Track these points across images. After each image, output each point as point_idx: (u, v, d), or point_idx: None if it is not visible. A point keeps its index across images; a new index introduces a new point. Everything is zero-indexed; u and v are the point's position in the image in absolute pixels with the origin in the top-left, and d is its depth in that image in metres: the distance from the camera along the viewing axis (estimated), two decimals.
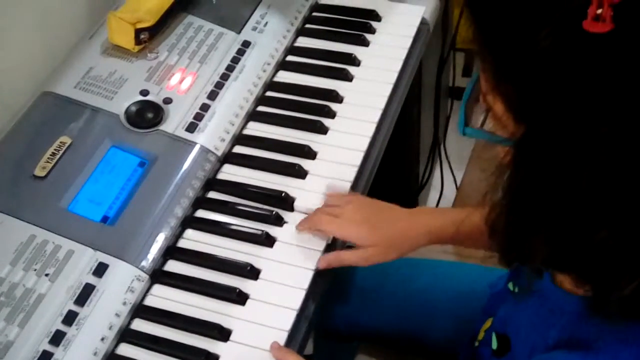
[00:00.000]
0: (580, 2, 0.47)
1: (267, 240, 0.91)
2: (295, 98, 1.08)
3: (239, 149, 1.02)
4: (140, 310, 0.86)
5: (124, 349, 0.83)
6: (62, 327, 0.80)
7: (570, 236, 0.55)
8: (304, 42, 1.16)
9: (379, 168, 1.04)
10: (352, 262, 0.90)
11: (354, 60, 1.12)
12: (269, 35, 1.12)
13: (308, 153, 1.00)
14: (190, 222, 0.93)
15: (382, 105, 1.06)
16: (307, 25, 1.18)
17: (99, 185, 0.92)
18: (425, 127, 1.60)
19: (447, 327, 1.03)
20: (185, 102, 1.01)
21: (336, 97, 1.07)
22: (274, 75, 1.11)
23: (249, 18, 1.13)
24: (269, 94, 1.08)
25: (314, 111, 1.05)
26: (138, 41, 1.03)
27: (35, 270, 0.83)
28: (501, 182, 0.59)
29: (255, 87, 1.06)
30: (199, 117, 1.00)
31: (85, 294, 0.82)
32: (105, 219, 0.89)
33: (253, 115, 1.05)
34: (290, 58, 1.13)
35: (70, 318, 0.81)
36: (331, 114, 1.05)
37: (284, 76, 1.11)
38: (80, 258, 0.85)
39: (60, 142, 0.94)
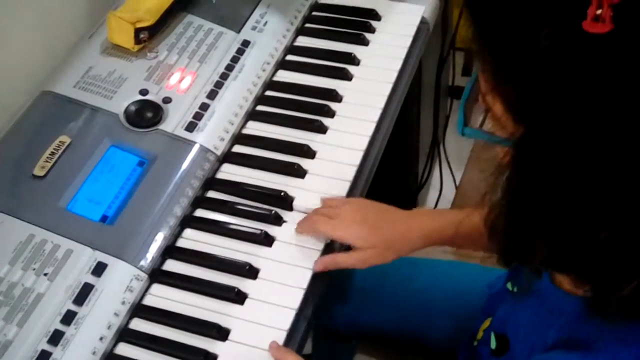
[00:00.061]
0: (580, 3, 0.47)
1: (266, 240, 0.91)
2: (294, 97, 1.07)
3: (238, 149, 1.01)
4: (139, 309, 0.86)
5: (123, 349, 0.83)
6: (61, 327, 0.80)
7: (570, 237, 0.55)
8: (303, 41, 1.16)
9: (379, 167, 1.04)
10: (349, 265, 0.89)
11: (353, 60, 1.12)
12: (269, 35, 1.12)
13: (307, 152, 1.00)
14: (189, 221, 0.93)
15: (382, 104, 1.06)
16: (307, 25, 1.18)
17: (98, 184, 0.92)
18: (425, 126, 1.60)
19: (447, 327, 1.03)
20: (184, 101, 1.01)
21: (336, 97, 1.07)
22: (273, 74, 1.10)
23: (248, 17, 1.13)
24: (268, 93, 1.08)
25: (314, 110, 1.05)
26: (138, 40, 1.03)
27: (34, 269, 0.83)
28: (500, 182, 0.59)
29: (255, 86, 1.06)
30: (198, 116, 1.00)
31: (84, 294, 0.82)
32: (104, 219, 0.89)
33: (252, 115, 1.05)
34: (289, 57, 1.13)
35: (68, 317, 0.81)
36: (331, 114, 1.05)
37: (284, 75, 1.11)
38: (79, 257, 0.85)
39: (60, 142, 0.94)
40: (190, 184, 0.94)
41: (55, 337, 0.79)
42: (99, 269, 0.84)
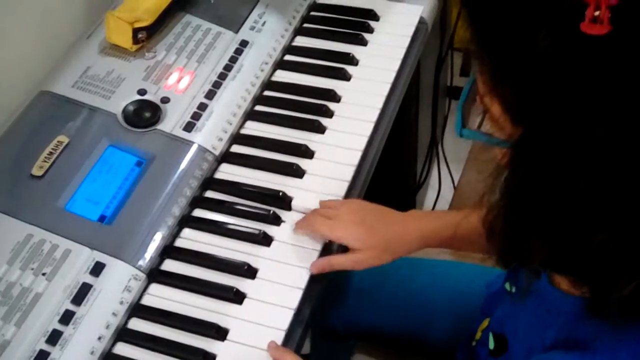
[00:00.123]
0: (578, 4, 0.47)
1: (265, 240, 0.91)
2: (293, 97, 1.07)
3: (236, 149, 1.01)
4: (138, 309, 0.85)
5: (121, 348, 0.83)
6: (59, 327, 0.80)
7: (568, 238, 0.55)
8: (302, 41, 1.16)
9: (377, 167, 1.04)
10: (345, 267, 0.89)
11: (352, 60, 1.12)
12: (267, 35, 1.12)
13: (306, 152, 1.00)
14: (187, 221, 0.93)
15: (380, 104, 1.06)
16: (305, 25, 1.18)
17: (96, 184, 0.92)
18: (423, 126, 1.60)
19: (446, 327, 1.04)
20: (182, 101, 1.01)
21: (334, 97, 1.07)
22: (271, 74, 1.10)
23: (247, 17, 1.13)
24: (266, 93, 1.08)
25: (312, 110, 1.05)
26: (136, 40, 1.03)
27: (32, 269, 0.83)
28: (498, 183, 0.59)
29: (253, 86, 1.06)
30: (196, 116, 1.00)
31: (82, 293, 0.82)
32: (102, 218, 0.89)
33: (251, 115, 1.05)
34: (288, 57, 1.13)
35: (67, 317, 0.81)
36: (329, 114, 1.05)
37: (282, 75, 1.11)
38: (78, 257, 0.85)
39: (58, 142, 0.94)
40: (189, 184, 0.94)
41: (54, 337, 0.79)
42: (97, 269, 0.84)
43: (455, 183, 1.75)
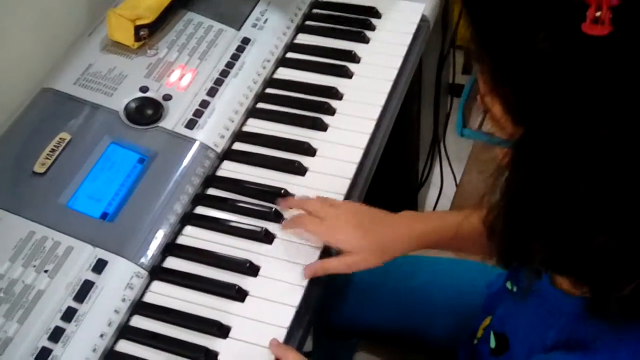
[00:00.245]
0: (579, 5, 0.47)
1: (267, 237, 0.91)
2: (295, 95, 1.07)
3: (238, 146, 1.02)
4: (140, 306, 0.86)
5: (123, 346, 0.83)
6: (61, 324, 0.80)
7: (568, 239, 0.55)
8: (303, 39, 1.16)
9: (379, 165, 1.04)
10: (338, 270, 0.88)
11: (354, 57, 1.12)
12: (269, 32, 1.12)
13: (308, 150, 1.00)
14: (189, 218, 0.93)
15: (382, 102, 1.06)
16: (307, 22, 1.18)
17: (98, 181, 0.92)
18: (425, 124, 1.60)
19: (447, 324, 1.04)
20: (184, 98, 1.01)
21: (336, 94, 1.07)
22: (273, 72, 1.10)
23: (248, 15, 1.13)
24: (268, 90, 1.08)
25: (314, 108, 1.05)
26: (138, 38, 1.03)
27: (34, 266, 0.83)
28: (499, 183, 0.58)
29: (255, 83, 1.06)
30: (198, 113, 1.00)
31: (84, 291, 0.83)
32: (104, 216, 0.89)
33: (253, 112, 1.05)
34: (290, 55, 1.13)
35: (69, 314, 0.81)
36: (331, 111, 1.05)
37: (284, 73, 1.11)
38: (80, 254, 0.85)
39: (60, 139, 0.94)
40: (191, 181, 0.94)
41: (56, 334, 0.79)
42: (99, 266, 0.84)
43: (457, 181, 1.74)
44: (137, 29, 1.03)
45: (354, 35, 1.15)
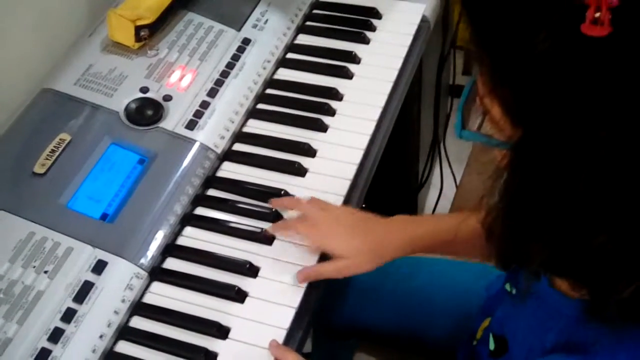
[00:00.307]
0: (579, 6, 0.47)
1: (266, 238, 0.91)
2: (295, 96, 1.07)
3: (238, 147, 1.02)
4: (139, 307, 0.86)
5: (123, 347, 0.83)
6: (61, 325, 0.80)
7: (567, 241, 0.55)
8: (304, 39, 1.16)
9: (379, 166, 1.04)
10: (331, 275, 0.88)
11: (354, 58, 1.12)
12: (269, 33, 1.12)
13: (308, 151, 1.00)
14: (189, 219, 0.93)
15: (382, 103, 1.06)
16: (308, 23, 1.18)
17: (98, 182, 0.92)
18: (425, 125, 1.60)
19: (446, 325, 1.03)
20: (185, 99, 1.01)
21: (336, 95, 1.07)
22: (274, 72, 1.10)
23: (249, 15, 1.13)
24: (269, 91, 1.08)
25: (314, 109, 1.05)
26: (138, 38, 1.03)
27: (34, 267, 0.83)
28: (498, 185, 0.58)
29: (255, 84, 1.06)
30: (198, 114, 1.00)
31: (84, 292, 0.83)
32: (104, 217, 0.89)
33: (253, 113, 1.05)
34: (290, 55, 1.13)
35: (69, 315, 0.81)
36: (331, 112, 1.05)
37: (284, 74, 1.11)
38: (79, 255, 0.85)
39: (60, 139, 0.94)
40: (191, 182, 0.94)
41: (55, 335, 0.79)
42: (99, 267, 0.84)
43: (457, 182, 1.74)
44: (138, 29, 1.03)
45: (354, 36, 1.15)
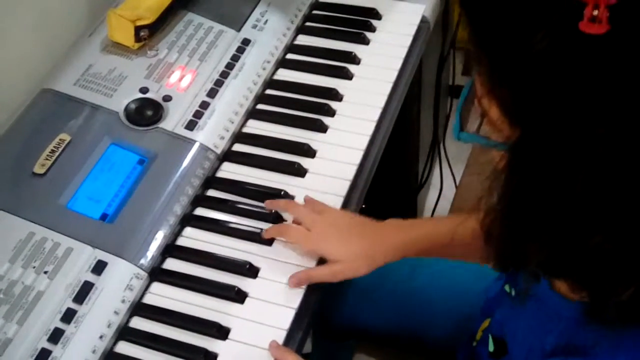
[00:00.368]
0: (576, 4, 0.47)
1: (267, 239, 0.91)
2: (295, 96, 1.07)
3: (238, 147, 1.02)
4: (139, 308, 0.86)
5: (123, 347, 0.83)
6: (61, 325, 0.80)
7: (565, 240, 0.55)
8: (304, 40, 1.16)
9: (379, 166, 1.04)
10: (323, 279, 0.88)
11: (354, 59, 1.12)
12: (269, 33, 1.12)
13: (308, 151, 1.00)
14: (189, 220, 0.93)
15: (382, 103, 1.06)
16: (307, 23, 1.18)
17: (98, 182, 0.92)
18: (425, 125, 1.60)
19: (446, 326, 1.03)
20: (184, 99, 1.01)
21: (336, 96, 1.07)
22: (273, 73, 1.10)
23: (249, 16, 1.13)
24: (268, 92, 1.08)
25: (314, 109, 1.05)
26: (138, 38, 1.03)
27: (34, 267, 0.83)
28: (496, 186, 0.58)
29: (255, 85, 1.06)
30: (198, 114, 1.00)
31: (84, 292, 0.83)
32: (104, 217, 0.89)
33: (253, 113, 1.05)
34: (290, 56, 1.13)
35: (68, 316, 0.81)
36: (331, 113, 1.05)
37: (284, 74, 1.11)
38: (79, 256, 0.85)
39: (60, 140, 0.94)
40: (191, 183, 0.94)
41: (55, 336, 0.79)
42: (99, 268, 0.84)
43: (457, 183, 1.74)
44: (138, 29, 1.03)
45: (354, 37, 1.15)
